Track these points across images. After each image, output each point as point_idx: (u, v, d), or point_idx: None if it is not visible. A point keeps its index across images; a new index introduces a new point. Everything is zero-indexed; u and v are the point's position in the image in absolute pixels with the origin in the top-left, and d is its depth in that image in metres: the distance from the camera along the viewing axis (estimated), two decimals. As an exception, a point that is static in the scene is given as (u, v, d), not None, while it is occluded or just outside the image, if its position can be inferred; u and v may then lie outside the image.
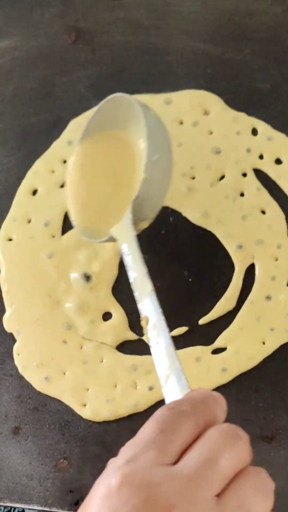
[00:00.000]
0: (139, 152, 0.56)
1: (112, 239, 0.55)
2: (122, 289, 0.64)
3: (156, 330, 0.49)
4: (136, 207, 0.53)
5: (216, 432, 0.40)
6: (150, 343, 0.49)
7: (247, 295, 0.62)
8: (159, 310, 0.50)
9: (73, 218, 0.59)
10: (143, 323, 0.50)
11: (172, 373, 0.47)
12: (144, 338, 0.50)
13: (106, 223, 0.56)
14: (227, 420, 0.56)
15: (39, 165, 0.68)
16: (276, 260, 0.63)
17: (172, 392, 0.46)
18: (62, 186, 0.67)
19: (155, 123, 0.54)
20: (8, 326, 0.65)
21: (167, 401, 0.46)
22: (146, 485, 0.36)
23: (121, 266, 0.63)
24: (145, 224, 0.56)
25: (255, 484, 0.40)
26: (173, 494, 0.36)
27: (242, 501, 0.38)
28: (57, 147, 0.68)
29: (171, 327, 0.53)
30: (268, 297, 0.62)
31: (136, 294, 0.51)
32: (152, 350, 0.49)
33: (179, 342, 0.61)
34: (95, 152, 0.60)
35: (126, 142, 0.58)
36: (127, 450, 0.40)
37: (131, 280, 0.52)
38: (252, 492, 0.39)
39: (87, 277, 0.64)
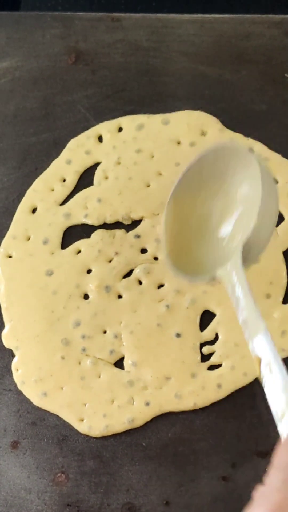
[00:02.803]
0: (240, 197, 0.57)
1: (211, 279, 0.55)
2: (119, 306, 0.64)
3: (270, 368, 0.47)
4: (244, 251, 0.53)
5: None
6: (264, 381, 0.48)
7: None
8: (274, 349, 0.48)
9: (169, 258, 0.58)
10: (255, 363, 0.49)
11: None
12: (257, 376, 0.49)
13: (205, 264, 0.57)
14: (223, 435, 0.57)
15: (38, 184, 0.69)
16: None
17: None
18: (61, 204, 0.68)
19: (265, 169, 0.54)
20: (7, 342, 0.65)
21: (283, 437, 0.46)
22: None
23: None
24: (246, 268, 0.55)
25: None
26: None
27: None
28: (57, 166, 0.69)
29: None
30: (263, 315, 0.63)
31: (247, 333, 0.51)
32: (265, 387, 0.48)
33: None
34: (191, 200, 0.60)
35: (223, 187, 0.58)
36: (273, 478, 0.40)
37: (240, 320, 0.51)
38: None
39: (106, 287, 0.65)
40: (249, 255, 0.53)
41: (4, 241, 0.68)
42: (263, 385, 0.48)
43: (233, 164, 0.57)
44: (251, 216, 0.52)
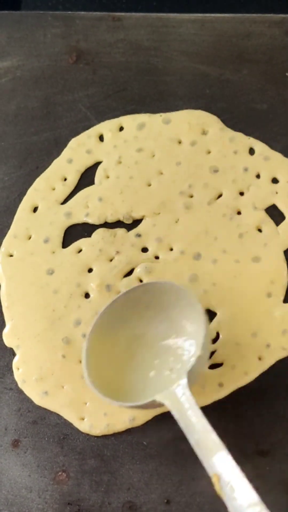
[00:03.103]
0: (181, 327, 0.60)
1: (150, 404, 0.56)
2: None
3: (231, 486, 0.49)
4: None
5: None
6: (226, 498, 0.49)
7: (244, 311, 0.63)
8: (235, 466, 0.50)
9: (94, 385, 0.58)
10: (214, 480, 0.50)
11: None
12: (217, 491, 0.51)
13: (141, 390, 0.58)
14: (224, 434, 0.57)
15: (39, 183, 0.69)
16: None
17: None
18: (62, 203, 0.68)
19: (201, 308, 0.57)
20: (8, 341, 0.65)
21: None
22: None
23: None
24: None
25: None
26: None
27: None
28: (58, 165, 0.69)
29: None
30: (264, 314, 0.63)
31: (201, 453, 0.51)
32: (227, 503, 0.49)
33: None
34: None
35: (164, 321, 0.61)
36: None
37: (192, 442, 0.52)
38: None
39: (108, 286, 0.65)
40: (189, 383, 0.55)
41: (5, 240, 0.68)
42: (224, 500, 0.49)
43: (176, 300, 0.59)
44: (195, 347, 0.57)
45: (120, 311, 0.61)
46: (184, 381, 0.55)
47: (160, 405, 0.55)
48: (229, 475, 0.49)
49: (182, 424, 0.53)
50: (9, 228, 0.68)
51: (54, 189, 0.69)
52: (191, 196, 0.67)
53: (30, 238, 0.67)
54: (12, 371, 0.64)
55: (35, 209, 0.68)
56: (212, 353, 0.62)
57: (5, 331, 0.65)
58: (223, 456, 0.50)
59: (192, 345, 0.58)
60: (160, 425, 0.61)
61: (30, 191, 0.69)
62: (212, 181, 0.67)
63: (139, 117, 0.70)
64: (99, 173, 0.69)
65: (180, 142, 0.69)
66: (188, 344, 0.59)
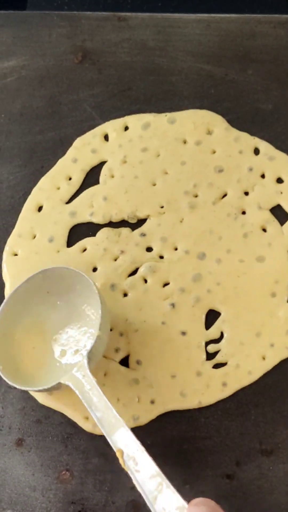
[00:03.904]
0: (82, 311, 0.62)
1: (55, 387, 0.59)
2: (125, 304, 0.64)
3: (134, 459, 0.53)
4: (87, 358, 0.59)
5: None
6: (130, 471, 0.53)
7: (248, 311, 0.63)
8: (136, 441, 0.54)
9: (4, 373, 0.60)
10: (118, 455, 0.54)
11: (160, 493, 0.51)
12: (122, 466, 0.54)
13: (45, 374, 0.61)
14: (228, 433, 0.57)
15: (44, 182, 0.69)
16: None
17: (165, 509, 0.50)
18: (67, 202, 0.68)
19: (100, 292, 0.60)
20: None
21: None
22: None
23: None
24: None
25: None
26: None
27: None
28: (63, 164, 0.69)
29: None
30: (268, 313, 0.63)
31: (105, 430, 0.55)
32: (132, 476, 0.53)
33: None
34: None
35: (66, 304, 0.63)
36: None
37: (96, 420, 0.56)
38: None
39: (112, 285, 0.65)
40: (90, 363, 0.58)
41: (10, 239, 0.68)
42: (129, 473, 0.53)
43: (74, 284, 0.62)
44: (93, 329, 0.60)
45: (23, 298, 0.63)
46: (84, 362, 0.58)
47: (67, 386, 0.58)
48: (131, 449, 0.54)
49: (85, 403, 0.56)
50: (13, 227, 0.68)
51: (59, 188, 0.69)
52: (196, 196, 0.67)
53: (34, 237, 0.67)
54: (16, 370, 0.64)
55: (39, 208, 0.69)
56: (216, 352, 0.62)
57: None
58: (124, 432, 0.54)
59: (93, 327, 0.61)
60: (163, 425, 0.61)
61: (35, 190, 0.69)
62: (217, 181, 0.67)
63: (144, 117, 0.70)
64: (104, 172, 0.69)
65: (185, 142, 0.69)
66: (89, 326, 0.61)
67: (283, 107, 0.70)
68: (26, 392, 0.63)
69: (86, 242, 0.67)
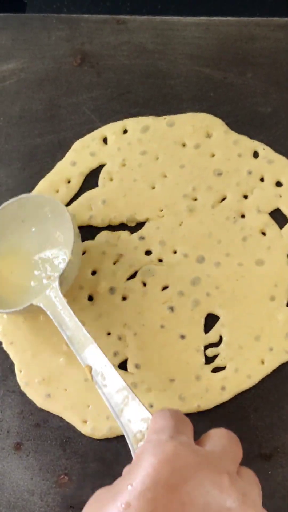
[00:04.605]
0: (55, 238, 0.65)
1: (25, 309, 0.62)
2: (124, 307, 0.64)
3: (102, 374, 0.56)
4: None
5: (221, 433, 0.50)
6: (98, 386, 0.56)
7: (247, 315, 0.63)
8: (104, 357, 0.57)
9: None
10: (86, 371, 0.57)
11: (126, 406, 0.54)
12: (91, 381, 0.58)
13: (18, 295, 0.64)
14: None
15: (43, 185, 0.69)
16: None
17: (130, 421, 0.53)
18: (66, 205, 0.68)
19: (73, 218, 0.64)
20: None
21: (126, 431, 0.53)
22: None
23: (123, 285, 0.64)
24: None
25: (251, 476, 0.49)
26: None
27: (245, 486, 0.46)
28: (61, 167, 0.69)
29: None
30: (267, 317, 0.63)
31: (74, 348, 0.58)
32: (100, 390, 0.56)
33: (180, 361, 0.61)
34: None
35: (39, 229, 0.66)
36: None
37: (66, 338, 0.59)
38: (250, 483, 0.47)
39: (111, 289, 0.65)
40: (62, 286, 0.61)
41: (8, 242, 0.68)
42: (97, 388, 0.56)
43: (48, 212, 0.65)
44: (65, 253, 0.63)
45: None
46: (56, 284, 0.61)
47: (39, 309, 0.61)
48: (100, 365, 0.57)
49: (56, 323, 0.60)
50: (12, 230, 0.68)
51: (57, 191, 0.69)
52: (195, 199, 0.67)
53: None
54: (15, 374, 0.64)
55: (38, 212, 0.69)
56: (215, 356, 0.62)
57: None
58: (93, 349, 0.57)
59: (66, 253, 0.63)
60: (162, 428, 0.61)
61: (33, 193, 0.69)
62: (216, 184, 0.67)
63: (143, 120, 0.70)
64: (102, 175, 0.69)
65: (184, 145, 0.69)
66: (62, 253, 0.64)
67: (282, 110, 0.69)
68: (24, 396, 0.63)
69: (85, 245, 0.67)
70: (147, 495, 0.42)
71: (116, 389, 0.55)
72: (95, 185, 0.69)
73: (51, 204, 0.65)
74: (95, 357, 0.57)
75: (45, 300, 0.61)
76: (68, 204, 0.68)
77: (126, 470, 0.48)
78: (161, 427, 0.48)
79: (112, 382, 0.56)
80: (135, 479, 0.44)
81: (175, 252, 0.66)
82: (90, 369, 0.57)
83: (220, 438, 0.49)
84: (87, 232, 0.67)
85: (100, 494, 0.47)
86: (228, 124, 0.69)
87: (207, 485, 0.43)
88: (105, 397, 0.55)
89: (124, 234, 0.67)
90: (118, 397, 0.55)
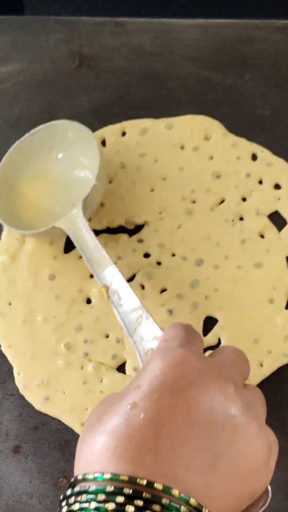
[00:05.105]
0: (80, 164, 0.67)
1: (48, 231, 0.64)
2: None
3: (118, 294, 0.58)
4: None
5: (231, 348, 0.51)
6: (113, 305, 0.58)
7: (246, 317, 0.63)
8: (122, 278, 0.59)
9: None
10: (103, 290, 0.58)
11: (139, 325, 0.55)
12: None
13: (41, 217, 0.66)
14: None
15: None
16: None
17: (143, 339, 0.55)
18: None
19: (99, 147, 0.65)
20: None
21: (137, 348, 0.54)
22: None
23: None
24: None
25: (257, 392, 0.50)
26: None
27: (250, 397, 0.47)
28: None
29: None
30: (266, 320, 0.63)
31: (93, 269, 0.60)
32: (115, 310, 0.58)
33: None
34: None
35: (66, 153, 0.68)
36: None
37: (85, 260, 0.61)
38: (255, 397, 0.49)
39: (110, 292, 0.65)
40: (85, 210, 0.63)
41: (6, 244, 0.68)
42: (112, 307, 0.58)
43: (76, 139, 0.67)
44: (91, 178, 0.64)
45: (27, 150, 0.68)
46: (79, 207, 0.62)
47: (61, 231, 0.63)
48: (116, 285, 0.58)
49: (77, 245, 0.62)
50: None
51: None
52: (194, 202, 0.67)
53: (32, 243, 0.68)
54: (13, 377, 0.64)
55: (37, 214, 0.69)
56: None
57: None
58: (111, 270, 0.59)
59: (91, 179, 0.64)
60: (161, 432, 0.61)
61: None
62: (214, 187, 0.67)
63: (142, 122, 0.70)
64: (101, 178, 0.69)
65: (182, 147, 0.69)
66: (87, 177, 0.66)
67: (281, 112, 0.69)
68: (23, 398, 0.63)
69: (84, 247, 0.67)
70: (154, 396, 0.43)
71: (131, 308, 0.57)
72: (94, 187, 0.69)
73: (78, 131, 0.66)
74: (113, 277, 0.59)
75: (67, 222, 0.62)
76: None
77: (134, 376, 0.48)
78: (172, 336, 0.49)
79: (127, 301, 0.57)
80: (142, 381, 0.44)
81: (173, 255, 0.65)
82: (107, 288, 0.58)
83: (229, 352, 0.51)
84: (86, 234, 0.67)
85: (109, 397, 0.48)
86: (226, 126, 0.69)
87: (213, 391, 0.44)
88: (119, 316, 0.57)
89: (123, 236, 0.67)
90: (133, 316, 0.56)
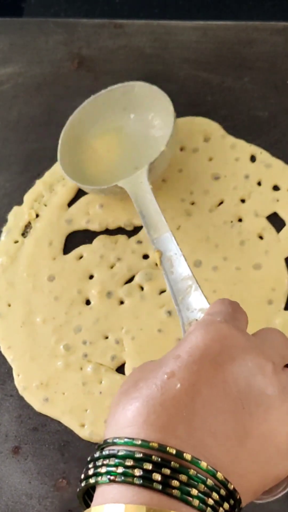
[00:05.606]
0: (153, 128, 0.68)
1: (111, 190, 0.65)
2: (121, 311, 0.64)
3: (171, 262, 0.57)
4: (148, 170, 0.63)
5: (275, 330, 0.50)
6: (164, 272, 0.57)
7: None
8: (177, 246, 0.58)
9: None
10: (156, 255, 0.58)
11: (188, 295, 0.54)
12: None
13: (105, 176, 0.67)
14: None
15: (40, 184, 0.69)
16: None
17: (188, 309, 0.54)
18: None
19: (173, 110, 0.66)
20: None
21: (182, 317, 0.54)
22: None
23: (121, 289, 0.64)
24: None
25: None
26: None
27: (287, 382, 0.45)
28: (59, 169, 0.69)
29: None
30: (265, 321, 0.63)
31: (150, 234, 0.59)
32: (165, 276, 0.56)
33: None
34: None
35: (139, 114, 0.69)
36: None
37: (144, 223, 0.60)
38: None
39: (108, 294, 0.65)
40: (150, 174, 0.63)
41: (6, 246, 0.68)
42: (163, 274, 0.57)
43: (151, 101, 0.68)
44: (160, 143, 0.64)
45: (100, 106, 0.69)
46: (145, 170, 0.63)
47: (122, 191, 0.63)
48: (170, 252, 0.57)
49: (137, 207, 0.62)
50: (10, 235, 0.68)
51: (52, 190, 0.69)
52: (193, 203, 0.67)
53: (31, 244, 0.68)
54: (13, 378, 0.64)
55: (36, 216, 0.68)
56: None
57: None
58: (167, 236, 0.59)
59: (161, 143, 0.64)
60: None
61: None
62: (213, 188, 0.67)
63: (141, 124, 0.70)
64: (100, 179, 0.69)
65: (182, 149, 0.69)
66: (157, 142, 0.66)
67: (279, 114, 0.70)
68: (22, 400, 0.63)
69: (83, 249, 0.67)
70: (193, 367, 0.42)
71: (182, 277, 0.56)
72: (93, 189, 0.69)
73: (155, 95, 0.67)
74: (167, 244, 0.58)
75: (131, 184, 0.63)
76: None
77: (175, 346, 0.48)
78: (218, 311, 0.48)
79: (178, 270, 0.56)
80: (182, 351, 0.44)
81: (173, 256, 0.66)
82: (160, 254, 0.58)
83: (273, 334, 0.50)
84: (85, 236, 0.67)
85: (146, 364, 0.47)
86: (225, 128, 0.69)
87: (252, 368, 0.44)
88: (169, 283, 0.56)
89: (122, 238, 0.67)
90: (182, 284, 0.55)
